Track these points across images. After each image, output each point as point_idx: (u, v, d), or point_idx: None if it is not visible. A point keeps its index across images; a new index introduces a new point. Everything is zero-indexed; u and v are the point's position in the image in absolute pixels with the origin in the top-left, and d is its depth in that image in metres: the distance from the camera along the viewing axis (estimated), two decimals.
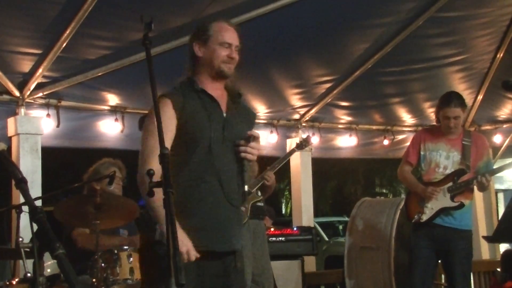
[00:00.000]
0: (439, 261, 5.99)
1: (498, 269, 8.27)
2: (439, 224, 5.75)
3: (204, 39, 3.33)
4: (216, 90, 3.36)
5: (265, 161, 6.63)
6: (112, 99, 7.14)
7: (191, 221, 3.15)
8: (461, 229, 5.78)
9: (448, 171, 5.75)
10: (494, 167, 6.08)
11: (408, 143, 6.34)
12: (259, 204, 5.92)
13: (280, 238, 6.97)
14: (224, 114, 3.34)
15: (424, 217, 5.75)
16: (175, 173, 3.13)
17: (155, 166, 2.75)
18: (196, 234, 3.13)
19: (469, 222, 5.91)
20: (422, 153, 5.88)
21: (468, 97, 9.10)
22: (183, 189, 3.18)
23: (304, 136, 7.05)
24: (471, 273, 6.16)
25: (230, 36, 3.36)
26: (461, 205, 5.69)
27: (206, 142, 3.23)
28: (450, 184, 5.70)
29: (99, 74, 6.62)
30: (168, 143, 3.08)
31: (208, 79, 3.35)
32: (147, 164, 3.06)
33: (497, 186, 10.66)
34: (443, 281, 6.82)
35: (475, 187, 5.78)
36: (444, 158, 5.79)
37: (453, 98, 5.80)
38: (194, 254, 3.04)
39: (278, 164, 6.25)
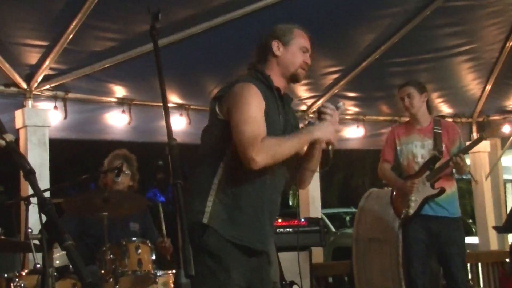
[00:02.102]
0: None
1: (507, 260, 8.28)
2: (431, 215, 5.78)
3: (286, 41, 3.35)
4: (283, 91, 3.38)
5: None
6: (119, 91, 7.15)
7: (244, 217, 3.17)
8: (452, 217, 5.83)
9: (423, 160, 5.83)
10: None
11: None
12: None
13: (288, 230, 6.98)
14: (285, 111, 3.38)
15: (411, 210, 5.79)
16: (234, 166, 3.17)
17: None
18: (246, 230, 3.17)
19: (458, 210, 5.93)
20: (398, 148, 5.99)
21: (476, 87, 9.15)
22: (244, 185, 3.19)
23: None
24: None
25: (308, 42, 3.41)
26: (442, 191, 5.73)
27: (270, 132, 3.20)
28: (427, 173, 5.74)
29: (106, 66, 6.61)
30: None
31: (279, 78, 3.36)
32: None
33: (506, 176, 10.62)
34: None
35: (456, 172, 5.89)
36: (420, 148, 5.87)
37: (406, 82, 6.12)
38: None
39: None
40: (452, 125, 6.23)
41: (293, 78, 3.40)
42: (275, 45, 3.35)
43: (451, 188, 5.88)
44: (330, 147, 3.26)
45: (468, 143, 6.38)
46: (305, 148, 3.32)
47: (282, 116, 3.32)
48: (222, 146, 3.22)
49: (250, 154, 3.01)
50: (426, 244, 5.84)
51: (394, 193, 6.08)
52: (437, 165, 5.77)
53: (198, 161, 3.25)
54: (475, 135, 9.48)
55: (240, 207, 3.17)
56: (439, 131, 5.86)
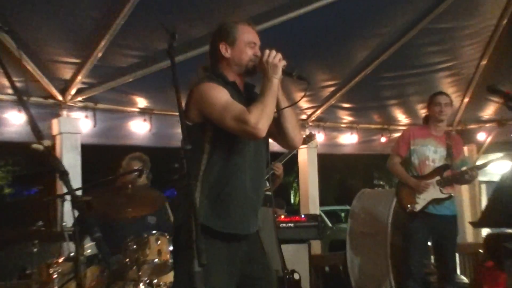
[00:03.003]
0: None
1: (481, 251, 8.30)
2: (434, 213, 5.84)
3: (231, 41, 3.24)
4: (240, 83, 3.30)
5: (275, 156, 6.64)
6: (141, 102, 7.18)
7: (227, 204, 3.13)
8: (451, 215, 5.95)
9: (436, 164, 5.87)
10: (479, 162, 6.14)
11: None
12: (267, 193, 5.92)
13: (290, 225, 7.00)
14: (245, 104, 3.21)
15: (418, 207, 5.83)
16: (214, 157, 3.14)
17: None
18: (230, 216, 3.14)
19: (455, 208, 6.06)
20: (412, 147, 5.96)
21: (456, 99, 9.15)
22: (223, 173, 3.13)
23: (308, 133, 7.05)
24: None
25: (254, 36, 3.30)
26: (451, 196, 5.85)
27: None
28: (438, 178, 5.79)
29: (130, 80, 6.65)
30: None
31: (233, 75, 3.27)
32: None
33: (481, 178, 10.72)
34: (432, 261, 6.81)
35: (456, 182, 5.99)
36: (433, 152, 5.91)
37: (441, 91, 6.14)
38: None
39: (285, 157, 6.26)
40: (460, 140, 6.28)
41: (247, 73, 3.29)
42: (223, 48, 3.25)
43: (454, 192, 5.97)
44: (288, 70, 3.17)
45: (482, 160, 6.43)
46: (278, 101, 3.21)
47: (246, 105, 3.15)
48: (200, 144, 3.13)
49: (249, 127, 2.97)
50: (426, 238, 5.89)
51: (402, 188, 6.07)
52: (446, 173, 5.83)
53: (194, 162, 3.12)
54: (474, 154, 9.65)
55: (225, 200, 3.13)
56: (451, 144, 5.93)
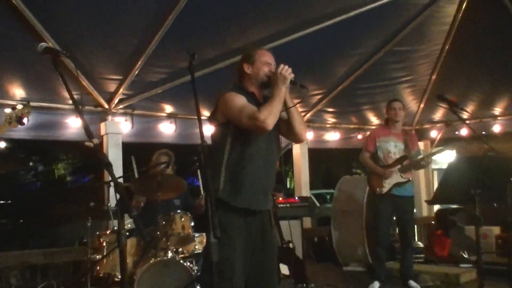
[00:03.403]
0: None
1: (433, 222, 8.31)
2: (396, 194, 5.86)
3: (251, 61, 3.30)
4: (259, 94, 3.33)
5: None
6: (168, 108, 7.16)
7: (245, 186, 3.13)
8: (410, 195, 5.97)
9: (397, 156, 5.90)
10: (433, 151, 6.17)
11: None
12: None
13: (286, 205, 6.97)
14: None
15: (384, 190, 5.86)
16: (234, 148, 3.17)
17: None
18: (245, 194, 3.13)
19: (413, 190, 6.09)
20: (378, 144, 6.00)
21: (414, 105, 9.18)
22: (241, 161, 3.15)
23: None
24: None
25: (269, 57, 3.34)
26: (409, 180, 5.88)
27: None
28: (399, 166, 5.82)
29: (159, 91, 6.63)
30: None
31: (253, 87, 3.31)
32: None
33: (433, 166, 10.78)
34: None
35: (414, 168, 5.98)
36: (394, 147, 5.95)
37: (395, 98, 6.25)
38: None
39: (283, 150, 6.31)
40: (415, 136, 6.33)
41: (263, 85, 3.32)
42: (245, 67, 3.32)
43: (412, 177, 5.99)
44: (294, 80, 3.20)
45: (434, 150, 6.46)
46: (286, 103, 3.24)
47: None
48: (224, 140, 3.19)
49: (260, 123, 3.02)
50: (390, 213, 5.90)
51: (372, 175, 6.08)
52: (405, 163, 5.84)
53: (210, 155, 3.11)
54: (438, 147, 9.58)
55: (243, 180, 3.13)
56: (407, 139, 5.95)
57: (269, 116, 3.04)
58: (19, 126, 3.48)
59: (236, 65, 3.42)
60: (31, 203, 18.55)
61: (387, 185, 5.84)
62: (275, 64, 3.33)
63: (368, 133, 7.29)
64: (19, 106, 3.44)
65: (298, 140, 3.48)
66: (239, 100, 3.16)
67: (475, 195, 3.78)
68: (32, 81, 5.89)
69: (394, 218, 6.09)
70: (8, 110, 3.46)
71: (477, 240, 3.91)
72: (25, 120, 3.45)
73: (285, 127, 3.36)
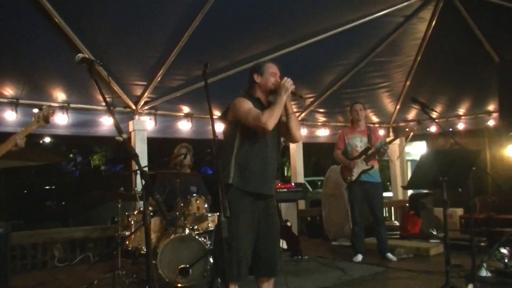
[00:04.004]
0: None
1: (407, 205, 8.30)
2: (365, 180, 5.83)
3: (261, 72, 3.29)
4: (265, 100, 3.31)
5: None
6: (185, 109, 7.14)
7: (251, 174, 3.12)
8: (376, 182, 5.91)
9: (361, 149, 5.87)
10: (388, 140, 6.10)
11: None
12: None
13: (284, 190, 6.97)
14: None
15: (353, 178, 5.86)
16: (243, 141, 3.17)
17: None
18: (253, 181, 3.13)
19: (379, 178, 5.97)
20: (346, 141, 6.00)
21: (391, 107, 9.13)
22: (249, 154, 3.15)
23: None
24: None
25: (275, 69, 3.32)
26: (372, 167, 5.84)
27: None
28: (364, 156, 5.80)
29: (178, 95, 6.61)
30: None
31: (261, 94, 3.30)
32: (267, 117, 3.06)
33: (407, 157, 10.77)
34: None
35: (377, 156, 5.85)
36: (359, 142, 5.93)
37: (356, 101, 6.19)
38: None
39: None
40: (377, 130, 6.29)
41: (270, 92, 3.30)
42: (255, 76, 3.30)
43: (376, 165, 5.91)
44: (294, 91, 3.20)
45: (388, 139, 6.37)
46: (286, 109, 3.25)
47: None
48: (234, 136, 3.19)
49: (262, 123, 3.03)
50: (361, 197, 5.87)
51: (343, 168, 6.05)
52: (370, 152, 5.78)
53: (223, 147, 3.17)
54: (391, 135, 9.51)
55: (250, 169, 3.13)
56: (370, 133, 5.91)
57: (270, 119, 3.04)
58: (49, 124, 3.48)
59: (248, 75, 3.38)
60: (71, 189, 18.59)
61: (355, 173, 5.83)
62: (280, 75, 3.32)
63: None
64: (45, 107, 3.44)
65: (294, 140, 3.46)
66: (247, 105, 3.16)
67: (443, 181, 3.77)
68: (72, 86, 5.88)
69: (368, 201, 6.04)
70: (36, 110, 3.45)
71: (444, 219, 3.89)
72: (52, 119, 3.41)
73: (284, 129, 3.35)
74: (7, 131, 5.60)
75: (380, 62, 7.59)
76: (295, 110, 3.41)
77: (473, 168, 3.99)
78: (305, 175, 9.32)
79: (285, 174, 24.65)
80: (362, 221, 5.94)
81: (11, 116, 5.65)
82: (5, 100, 5.65)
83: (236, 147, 3.17)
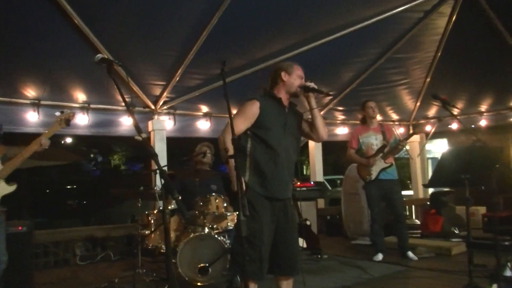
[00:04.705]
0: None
1: (428, 203, 8.20)
2: (383, 178, 5.76)
3: (289, 72, 3.26)
4: (285, 101, 3.28)
5: None
6: (204, 108, 7.17)
7: (264, 179, 3.10)
8: (394, 179, 5.84)
9: (377, 147, 5.80)
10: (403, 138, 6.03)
11: None
12: None
13: (304, 188, 6.95)
14: (286, 113, 3.25)
15: (373, 177, 5.79)
16: (256, 146, 3.13)
17: (229, 136, 2.77)
18: (267, 186, 3.10)
19: (396, 175, 5.90)
20: (360, 140, 5.92)
21: (411, 104, 9.03)
22: (261, 156, 3.11)
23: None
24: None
25: (302, 73, 3.31)
26: (391, 164, 5.79)
27: (276, 128, 3.15)
28: (381, 154, 5.75)
29: (196, 94, 6.64)
30: (242, 126, 3.09)
31: (283, 94, 3.26)
32: (227, 133, 3.01)
33: (428, 155, 10.64)
34: None
35: (394, 153, 5.80)
36: (374, 140, 5.85)
37: (369, 99, 6.12)
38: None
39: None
40: (390, 126, 6.20)
41: (294, 94, 3.28)
42: (283, 74, 3.26)
43: (393, 162, 5.86)
44: (309, 84, 3.21)
45: (406, 136, 6.29)
46: (310, 104, 3.25)
47: (283, 115, 3.22)
48: (246, 138, 3.16)
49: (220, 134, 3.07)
50: (379, 196, 5.80)
51: (359, 166, 6.00)
52: (386, 149, 5.73)
53: (239, 150, 3.13)
54: (411, 132, 9.41)
55: (263, 173, 3.10)
56: (383, 131, 5.85)
57: (225, 134, 3.04)
58: (69, 126, 3.57)
59: (272, 72, 3.35)
60: (92, 188, 18.84)
61: (374, 172, 5.77)
62: (304, 77, 3.31)
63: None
64: (66, 110, 3.53)
65: (319, 139, 3.37)
66: (246, 110, 3.13)
67: (465, 179, 3.70)
68: (91, 86, 5.95)
69: (387, 199, 5.99)
70: (58, 113, 3.53)
71: (467, 218, 3.82)
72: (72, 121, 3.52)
73: (309, 127, 3.32)
74: (30, 132, 5.71)
75: (399, 59, 7.50)
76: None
77: (496, 165, 3.91)
78: (324, 174, 9.28)
79: (304, 172, 24.60)
80: (381, 219, 5.88)
81: (33, 117, 5.75)
82: (27, 101, 5.75)
83: (249, 150, 3.14)
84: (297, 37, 6.19)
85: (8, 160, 3.19)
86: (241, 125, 3.10)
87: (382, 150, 5.76)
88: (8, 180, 3.18)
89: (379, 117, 9.10)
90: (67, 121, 3.52)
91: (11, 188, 3.19)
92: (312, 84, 3.23)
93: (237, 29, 5.63)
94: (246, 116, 3.12)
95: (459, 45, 7.28)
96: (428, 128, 9.50)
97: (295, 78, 3.26)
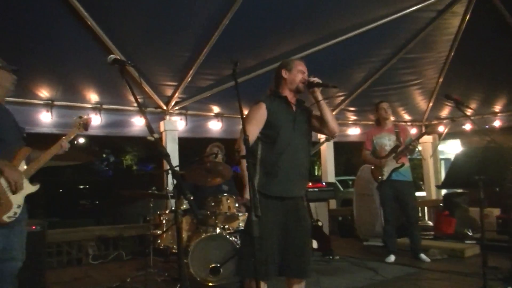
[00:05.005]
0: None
1: (441, 204, 8.13)
2: (395, 179, 5.71)
3: (289, 68, 3.24)
4: (292, 98, 3.25)
5: None
6: (215, 109, 7.18)
7: (275, 178, 3.06)
8: (407, 180, 5.78)
9: (390, 147, 5.77)
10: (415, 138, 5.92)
11: None
12: None
13: (315, 189, 6.91)
14: (294, 111, 3.22)
15: (384, 177, 5.76)
16: (265, 146, 3.10)
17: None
18: (278, 185, 3.06)
19: (410, 176, 5.86)
20: (374, 141, 5.90)
21: (423, 104, 8.96)
22: (271, 157, 3.07)
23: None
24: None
25: (303, 67, 3.27)
26: (403, 164, 5.72)
27: (285, 126, 3.12)
28: (393, 154, 5.71)
29: (208, 95, 6.65)
30: (256, 131, 3.07)
31: (287, 91, 3.24)
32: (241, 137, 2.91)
33: (440, 156, 10.54)
34: None
35: (408, 154, 5.77)
36: (387, 140, 5.82)
37: (382, 100, 6.10)
38: None
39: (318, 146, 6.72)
40: (404, 127, 6.18)
41: (297, 90, 3.24)
42: (283, 72, 3.25)
43: (407, 163, 5.81)
44: (313, 80, 3.19)
45: (417, 136, 6.25)
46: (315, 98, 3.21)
47: (291, 113, 3.19)
48: (256, 141, 3.12)
49: (237, 144, 2.93)
50: (392, 196, 5.77)
51: (372, 167, 5.97)
52: (399, 149, 5.69)
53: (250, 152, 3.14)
54: (423, 131, 9.35)
55: (273, 173, 3.06)
56: (398, 131, 5.83)
57: (241, 144, 2.79)
58: (87, 131, 3.66)
59: (274, 72, 3.34)
60: (104, 188, 18.97)
61: (386, 172, 5.74)
62: (306, 71, 3.27)
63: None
64: (85, 116, 3.63)
65: (331, 132, 3.32)
66: (255, 115, 3.10)
67: (479, 180, 3.65)
68: (104, 87, 5.99)
69: (399, 201, 5.95)
70: (76, 118, 3.61)
71: (481, 219, 3.78)
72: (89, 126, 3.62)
73: (318, 122, 3.28)
74: (43, 132, 5.76)
75: (411, 59, 7.45)
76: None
77: (511, 166, 3.85)
78: (336, 174, 9.24)
79: (316, 173, 24.53)
80: (394, 220, 5.84)
81: (46, 117, 5.80)
82: (41, 102, 5.80)
83: (259, 152, 3.11)
84: (309, 37, 6.17)
85: (31, 161, 3.27)
86: (255, 131, 3.08)
87: (395, 151, 5.73)
88: (32, 180, 3.26)
89: (391, 118, 9.13)
90: (85, 126, 3.60)
91: (35, 188, 3.28)
92: (316, 79, 3.20)
93: (249, 29, 5.63)
94: (256, 121, 3.10)
95: (473, 44, 7.21)
96: (441, 128, 9.43)
97: (295, 74, 3.23)
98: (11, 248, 3.12)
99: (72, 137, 3.51)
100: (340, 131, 8.88)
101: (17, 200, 3.14)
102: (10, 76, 3.29)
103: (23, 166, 3.23)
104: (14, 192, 3.10)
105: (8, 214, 3.05)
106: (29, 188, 3.24)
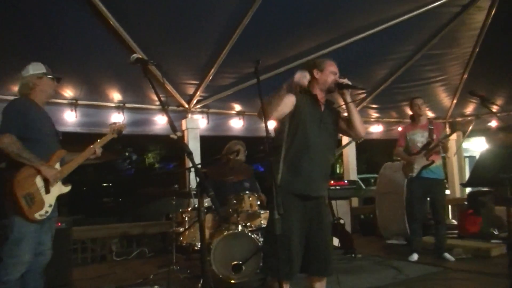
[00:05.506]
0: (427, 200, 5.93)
1: (465, 203, 8.01)
2: (426, 177, 5.63)
3: (321, 69, 3.23)
4: (322, 98, 3.24)
5: None
6: (237, 107, 7.20)
7: (299, 176, 3.05)
8: (438, 178, 5.70)
9: (422, 144, 5.71)
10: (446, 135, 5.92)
11: None
12: None
13: (337, 187, 6.86)
14: (322, 111, 3.21)
15: (414, 174, 5.68)
16: (290, 143, 3.08)
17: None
18: (300, 183, 3.05)
19: (442, 174, 5.80)
20: (408, 137, 5.83)
21: (447, 101, 8.84)
22: (296, 154, 3.07)
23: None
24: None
25: (335, 68, 3.27)
26: (433, 162, 5.63)
27: (310, 125, 3.11)
28: (424, 151, 5.65)
29: (229, 93, 6.67)
30: (281, 110, 3.03)
31: (318, 91, 3.22)
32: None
33: (465, 154, 10.39)
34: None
35: (441, 151, 5.74)
36: (420, 137, 5.75)
37: (416, 96, 5.98)
38: None
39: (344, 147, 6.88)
40: (439, 124, 6.11)
41: (328, 90, 3.22)
42: (315, 72, 3.23)
43: (439, 161, 5.75)
44: (343, 81, 3.18)
45: (447, 134, 6.17)
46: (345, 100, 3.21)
47: (318, 112, 3.17)
48: (281, 137, 3.10)
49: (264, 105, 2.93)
50: (422, 194, 5.70)
51: (404, 165, 5.91)
52: (430, 146, 5.64)
53: (273, 146, 3.10)
54: (448, 130, 9.18)
55: (297, 171, 3.05)
56: (432, 127, 5.75)
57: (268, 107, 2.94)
58: (120, 136, 3.79)
59: (307, 69, 3.29)
60: (127, 186, 19.20)
61: (415, 169, 5.68)
62: (338, 73, 3.26)
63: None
64: (119, 123, 3.77)
65: (358, 135, 3.30)
66: (283, 98, 3.06)
67: (506, 179, 3.58)
68: (127, 86, 6.06)
69: (428, 198, 5.88)
70: (110, 123, 3.76)
71: (508, 218, 3.70)
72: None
73: (345, 124, 3.27)
74: (67, 131, 5.86)
75: (435, 55, 7.33)
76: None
77: None
78: (358, 172, 9.17)
79: (338, 171, 24.37)
80: (421, 218, 5.78)
81: (70, 116, 5.90)
82: (65, 101, 5.90)
83: (284, 148, 3.09)
84: (330, 34, 6.13)
85: (65, 164, 3.40)
86: (281, 110, 3.04)
87: (427, 147, 5.66)
88: (64, 181, 3.38)
89: None
90: (119, 132, 3.73)
91: (67, 189, 3.42)
92: (345, 81, 3.19)
93: (269, 27, 5.62)
94: (284, 102, 3.06)
95: (498, 40, 7.05)
96: (466, 126, 9.29)
97: (327, 74, 3.22)
98: (40, 244, 3.24)
99: (106, 142, 3.61)
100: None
101: (49, 199, 3.24)
102: (53, 83, 3.44)
103: (58, 168, 3.34)
104: (47, 191, 3.20)
105: (40, 212, 3.15)
106: (61, 188, 3.34)
